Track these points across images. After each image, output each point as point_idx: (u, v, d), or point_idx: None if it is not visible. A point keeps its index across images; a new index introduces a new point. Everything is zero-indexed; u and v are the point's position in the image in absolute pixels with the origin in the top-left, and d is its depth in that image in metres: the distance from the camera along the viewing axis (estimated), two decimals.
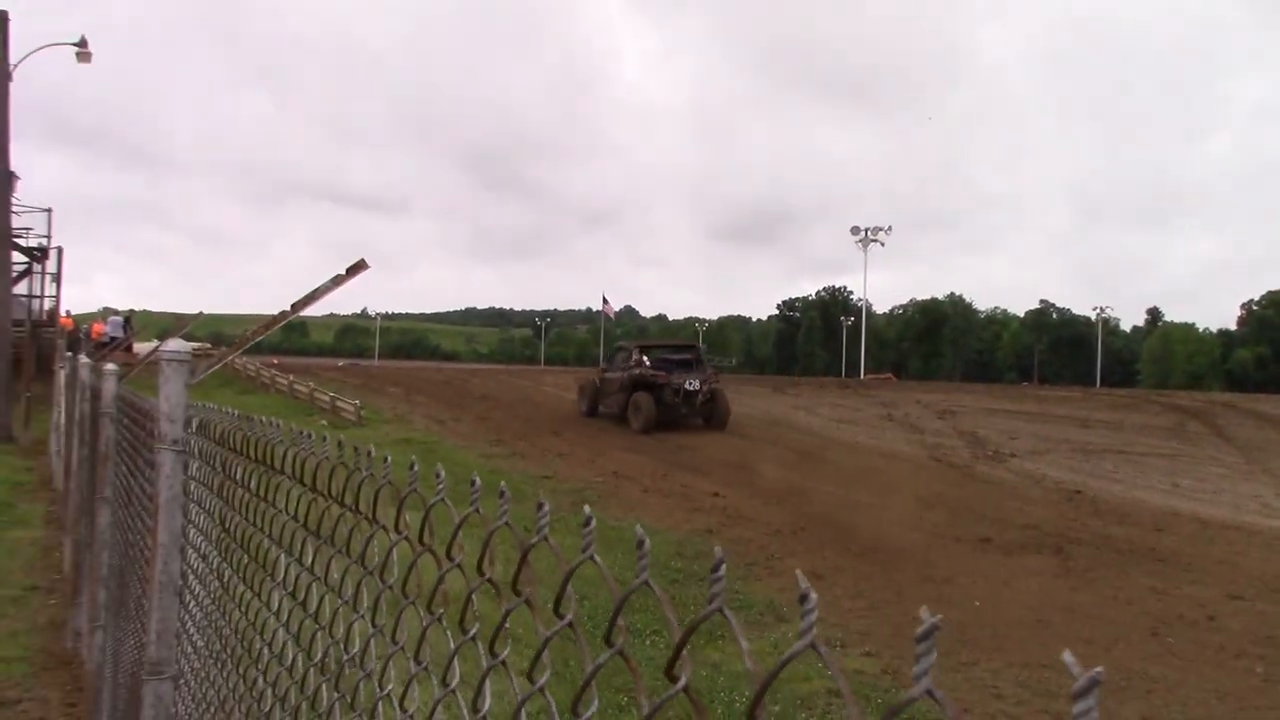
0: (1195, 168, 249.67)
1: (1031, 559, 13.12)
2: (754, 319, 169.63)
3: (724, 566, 0.98)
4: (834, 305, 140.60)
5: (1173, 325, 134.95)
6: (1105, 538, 14.63)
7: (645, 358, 27.26)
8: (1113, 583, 11.88)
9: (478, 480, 1.51)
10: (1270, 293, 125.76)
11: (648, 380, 26.21)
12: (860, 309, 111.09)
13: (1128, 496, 19.03)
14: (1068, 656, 0.77)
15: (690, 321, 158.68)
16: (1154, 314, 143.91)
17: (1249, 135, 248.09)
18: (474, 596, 1.49)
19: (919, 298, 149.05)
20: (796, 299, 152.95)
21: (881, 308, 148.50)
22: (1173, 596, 11.32)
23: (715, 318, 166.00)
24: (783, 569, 12.09)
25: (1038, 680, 8.26)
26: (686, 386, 26.06)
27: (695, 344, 32.17)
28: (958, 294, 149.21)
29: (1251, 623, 10.35)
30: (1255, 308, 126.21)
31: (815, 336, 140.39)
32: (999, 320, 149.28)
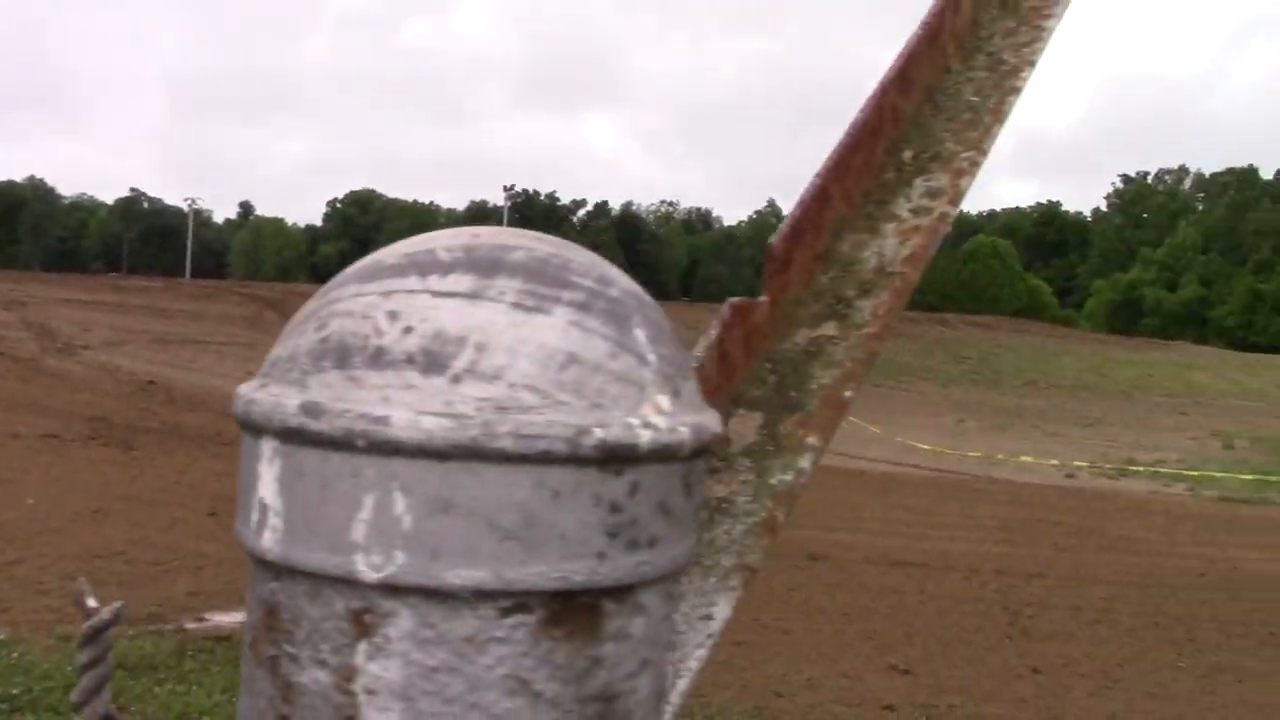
0: (290, 68, 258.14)
1: (98, 451, 12.78)
2: None
3: None
4: None
5: (263, 219, 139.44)
6: (175, 425, 14.78)
7: None
8: (178, 468, 12.06)
9: None
10: (352, 192, 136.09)
11: None
12: None
13: (204, 385, 19.40)
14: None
15: None
16: (246, 208, 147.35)
17: (340, 41, 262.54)
18: None
19: None
20: None
21: None
22: (234, 477, 11.83)
23: None
24: None
25: (87, 570, 8.11)
26: None
27: None
28: (39, 178, 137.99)
29: None
30: (338, 205, 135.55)
31: None
32: (86, 208, 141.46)
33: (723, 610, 0.77)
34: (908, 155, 0.98)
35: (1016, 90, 1.01)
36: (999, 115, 0.99)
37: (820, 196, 0.93)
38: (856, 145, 0.96)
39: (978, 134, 0.97)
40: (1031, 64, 1.02)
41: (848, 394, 0.84)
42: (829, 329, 0.87)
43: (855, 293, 0.89)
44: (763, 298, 0.87)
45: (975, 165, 0.96)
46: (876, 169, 0.98)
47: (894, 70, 0.98)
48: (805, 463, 0.82)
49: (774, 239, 0.89)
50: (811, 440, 0.82)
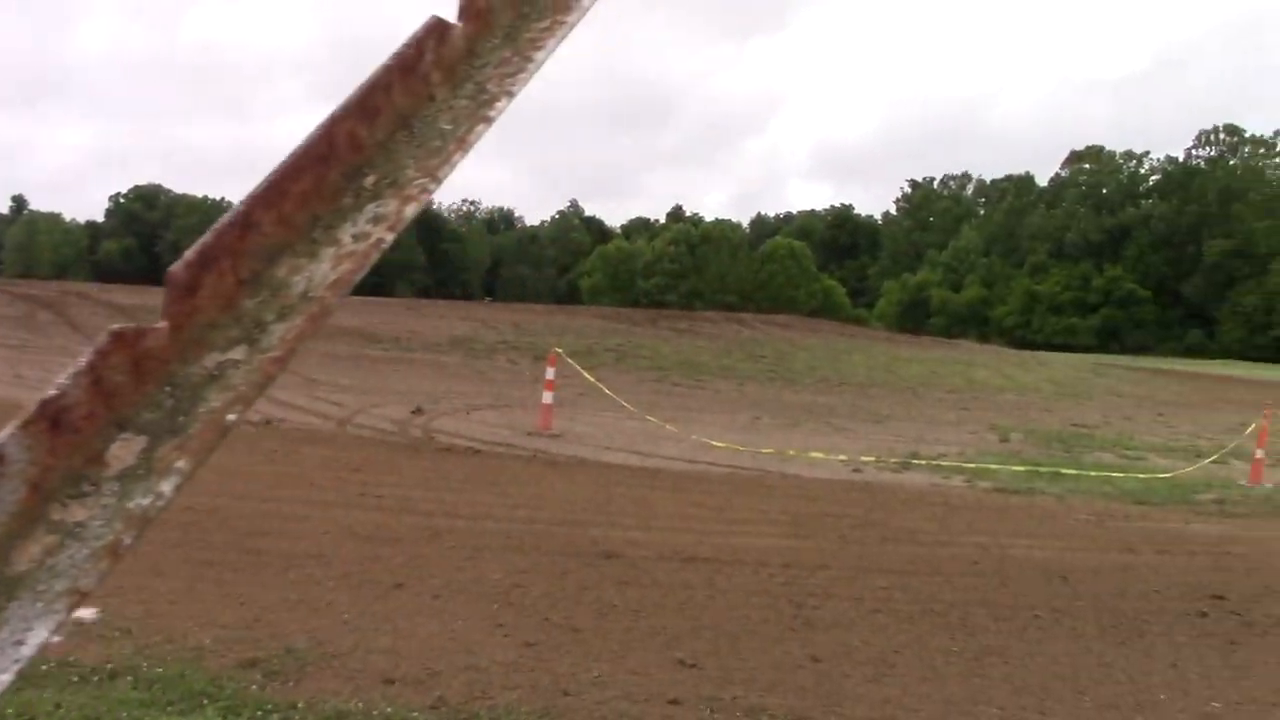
0: (67, 55, 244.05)
1: None
2: None
3: None
4: None
5: (39, 214, 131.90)
6: None
7: None
8: None
9: None
10: (137, 186, 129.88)
11: None
12: None
13: None
14: None
15: None
16: (19, 202, 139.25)
17: (122, 26, 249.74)
18: None
19: None
20: None
21: None
22: None
23: None
24: None
25: None
26: None
27: None
28: None
29: None
30: (122, 200, 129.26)
31: None
32: None
33: (39, 635, 0.78)
34: (369, 181, 0.99)
35: (488, 120, 1.02)
36: (463, 144, 1.01)
37: (242, 224, 0.93)
38: (298, 172, 0.96)
39: (437, 162, 0.99)
40: (510, 94, 1.03)
41: (231, 417, 0.86)
42: (238, 353, 0.89)
43: (274, 317, 0.91)
44: (161, 323, 0.88)
45: (426, 192, 0.98)
46: (330, 194, 0.98)
47: (351, 100, 0.99)
48: (167, 486, 0.83)
49: (175, 265, 0.90)
50: (181, 464, 0.84)
